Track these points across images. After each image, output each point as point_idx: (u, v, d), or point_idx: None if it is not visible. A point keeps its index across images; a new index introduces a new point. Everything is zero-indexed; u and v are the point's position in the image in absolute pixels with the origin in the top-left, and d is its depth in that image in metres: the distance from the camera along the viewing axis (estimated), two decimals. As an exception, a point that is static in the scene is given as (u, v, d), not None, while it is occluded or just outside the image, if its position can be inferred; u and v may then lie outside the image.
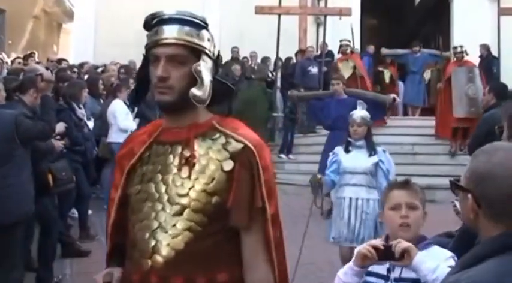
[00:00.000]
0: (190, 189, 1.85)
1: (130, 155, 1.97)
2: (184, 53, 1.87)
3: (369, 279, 2.35)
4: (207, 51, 1.93)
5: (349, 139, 5.06)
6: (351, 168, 4.98)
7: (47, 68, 7.13)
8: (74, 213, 7.01)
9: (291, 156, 11.10)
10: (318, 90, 11.66)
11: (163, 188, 1.88)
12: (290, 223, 6.35)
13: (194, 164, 1.86)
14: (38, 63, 9.43)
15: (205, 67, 1.88)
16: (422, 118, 12.31)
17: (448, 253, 2.29)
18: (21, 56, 11.18)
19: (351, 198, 5.00)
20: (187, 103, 1.86)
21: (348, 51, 11.58)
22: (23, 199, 4.39)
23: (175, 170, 1.88)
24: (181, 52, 1.87)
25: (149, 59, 1.95)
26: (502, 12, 12.33)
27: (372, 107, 7.11)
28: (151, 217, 1.86)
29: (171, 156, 1.89)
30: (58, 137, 5.50)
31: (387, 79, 13.46)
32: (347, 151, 5.05)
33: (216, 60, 2.01)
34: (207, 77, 1.87)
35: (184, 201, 1.84)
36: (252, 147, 1.85)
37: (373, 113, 6.81)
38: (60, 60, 11.55)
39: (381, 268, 2.34)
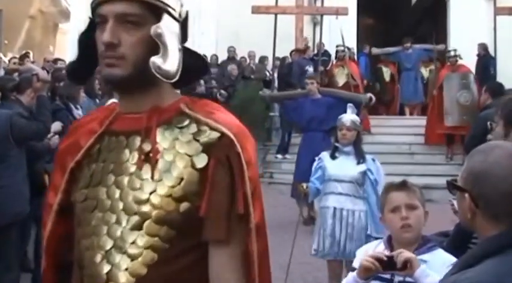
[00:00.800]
0: (151, 193, 1.42)
1: (75, 149, 1.53)
2: (139, 12, 1.43)
3: (373, 282, 2.32)
4: (171, 10, 1.47)
5: (336, 144, 4.75)
6: (337, 176, 4.66)
7: (43, 68, 7.11)
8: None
9: (287, 155, 11.09)
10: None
11: (116, 193, 1.45)
12: (287, 223, 6.38)
13: (157, 161, 1.44)
14: (33, 62, 9.40)
15: (168, 30, 1.44)
16: (419, 118, 12.26)
17: (452, 259, 2.26)
18: (18, 56, 11.15)
19: (335, 208, 4.65)
20: (146, 79, 1.44)
21: (346, 56, 11.38)
22: (17, 200, 4.37)
23: (132, 169, 1.45)
24: (135, 10, 1.42)
25: (95, 22, 1.49)
26: (498, 12, 12.33)
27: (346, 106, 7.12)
28: (102, 232, 1.44)
29: (127, 151, 1.47)
30: (56, 137, 5.48)
31: (387, 77, 13.42)
32: (333, 157, 4.72)
33: (184, 23, 1.55)
34: (173, 44, 1.44)
35: (144, 209, 1.42)
36: (231, 135, 1.43)
37: (345, 110, 6.75)
38: (56, 60, 11.52)
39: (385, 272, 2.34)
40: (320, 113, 7.36)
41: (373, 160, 4.73)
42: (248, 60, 13.10)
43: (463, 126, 9.77)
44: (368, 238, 4.36)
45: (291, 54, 12.55)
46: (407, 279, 2.25)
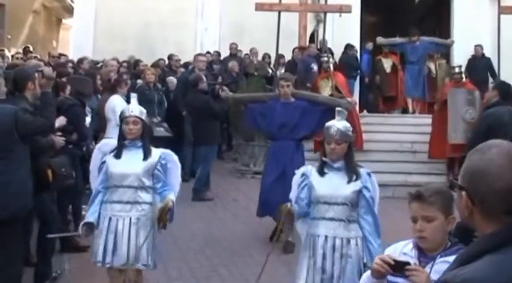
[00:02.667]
0: None
1: None
2: None
3: (397, 280, 2.34)
4: None
5: (325, 159, 3.96)
6: (328, 197, 3.91)
7: (48, 64, 7.14)
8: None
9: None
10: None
11: None
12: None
13: None
14: (37, 58, 9.41)
15: None
16: (422, 116, 12.20)
17: None
18: (21, 50, 11.18)
19: (326, 237, 3.91)
20: None
21: (330, 68, 10.53)
22: (21, 194, 4.38)
23: None
24: None
25: None
26: (502, 11, 12.33)
27: (322, 112, 6.30)
28: None
29: None
30: (59, 134, 5.50)
31: (388, 68, 13.09)
32: (321, 173, 3.96)
33: None
34: None
35: None
36: None
37: (321, 117, 6.00)
38: (60, 56, 11.54)
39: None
40: (292, 119, 6.40)
41: (369, 174, 3.99)
42: (251, 57, 13.11)
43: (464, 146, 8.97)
44: (365, 269, 3.62)
45: (293, 51, 12.56)
46: (431, 277, 2.25)
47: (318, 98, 7.14)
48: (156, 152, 4.40)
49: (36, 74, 4.95)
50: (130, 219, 4.26)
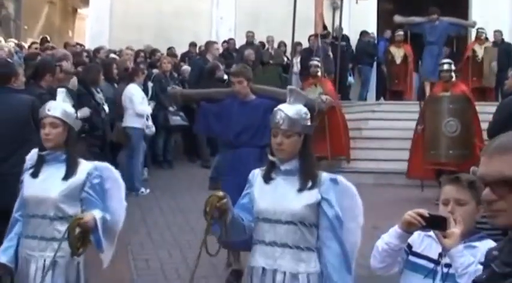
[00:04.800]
0: None
1: None
2: None
3: (419, 261, 2.45)
4: None
5: (271, 158, 2.83)
6: (269, 213, 2.75)
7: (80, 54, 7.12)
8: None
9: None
10: (334, 75, 11.57)
11: None
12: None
13: None
14: (52, 48, 9.44)
15: None
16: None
17: None
18: (38, 41, 11.22)
19: (264, 270, 2.77)
20: None
21: (318, 73, 9.65)
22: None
23: None
24: None
25: None
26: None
27: None
28: None
29: None
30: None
31: (398, 59, 12.79)
32: (266, 179, 2.84)
33: None
34: None
35: None
36: None
37: None
38: (78, 45, 11.58)
39: (433, 253, 2.43)
40: (253, 121, 5.00)
41: (334, 181, 2.79)
42: (267, 45, 13.05)
43: (453, 163, 7.77)
44: None
45: (309, 39, 12.47)
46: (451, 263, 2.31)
47: (283, 94, 5.17)
48: (85, 167, 3.16)
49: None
50: (44, 261, 3.07)
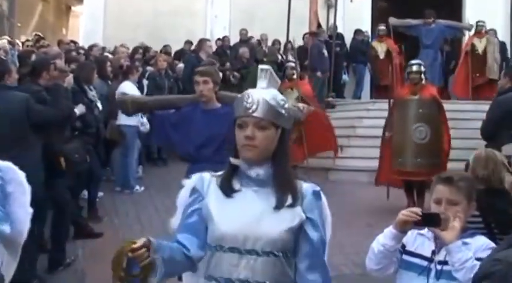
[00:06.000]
0: None
1: None
2: None
3: (413, 259, 2.47)
4: None
5: (235, 161, 2.09)
6: (238, 240, 2.01)
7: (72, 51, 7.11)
8: (85, 194, 7.04)
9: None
10: (328, 73, 11.59)
11: None
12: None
13: None
14: (48, 45, 9.42)
15: None
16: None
17: (490, 243, 2.43)
18: (31, 38, 11.19)
19: None
20: None
21: (294, 76, 9.10)
22: (31, 182, 4.34)
23: None
24: None
25: None
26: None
27: None
28: None
29: None
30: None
31: (381, 54, 12.62)
32: (227, 191, 2.07)
33: None
34: None
35: None
36: None
37: None
38: (72, 43, 11.56)
39: (426, 251, 2.46)
40: (219, 133, 4.19)
41: (317, 195, 2.09)
42: (261, 43, 13.06)
43: (421, 172, 7.15)
44: None
45: (303, 37, 12.49)
46: (448, 258, 2.36)
47: None
48: None
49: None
50: None
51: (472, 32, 12.49)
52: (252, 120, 2.01)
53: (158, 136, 4.82)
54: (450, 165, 6.89)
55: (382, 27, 12.66)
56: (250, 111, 2.01)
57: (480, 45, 12.17)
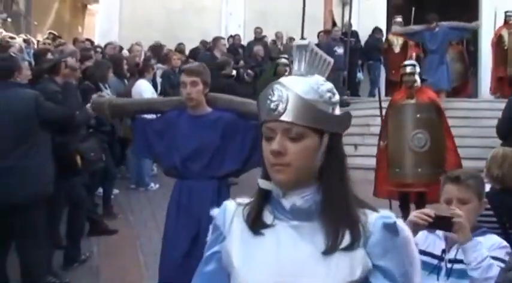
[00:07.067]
0: None
1: None
2: None
3: (423, 258, 2.44)
4: None
5: (265, 184, 1.41)
6: None
7: (89, 50, 7.15)
8: (100, 191, 7.09)
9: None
10: (343, 71, 11.53)
11: None
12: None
13: None
14: (64, 44, 9.49)
15: None
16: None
17: (503, 242, 2.44)
18: (49, 36, 11.27)
19: None
20: None
21: (286, 73, 8.37)
22: (40, 179, 4.35)
23: None
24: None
25: None
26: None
27: (248, 128, 3.67)
28: None
29: None
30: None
31: (396, 48, 12.43)
32: (258, 227, 1.41)
33: None
34: None
35: None
36: None
37: (256, 137, 2.80)
38: (88, 42, 11.62)
39: (436, 249, 2.47)
40: (209, 143, 3.72)
41: (392, 229, 1.39)
42: (276, 41, 13.06)
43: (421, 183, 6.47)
44: None
45: (318, 35, 12.46)
46: (458, 257, 2.37)
47: (248, 105, 3.83)
48: None
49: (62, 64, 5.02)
50: None
51: (502, 21, 12.05)
52: (280, 127, 1.36)
53: (139, 146, 4.03)
54: (467, 164, 6.76)
55: (399, 19, 12.33)
56: (276, 113, 1.35)
57: (508, 37, 11.69)
